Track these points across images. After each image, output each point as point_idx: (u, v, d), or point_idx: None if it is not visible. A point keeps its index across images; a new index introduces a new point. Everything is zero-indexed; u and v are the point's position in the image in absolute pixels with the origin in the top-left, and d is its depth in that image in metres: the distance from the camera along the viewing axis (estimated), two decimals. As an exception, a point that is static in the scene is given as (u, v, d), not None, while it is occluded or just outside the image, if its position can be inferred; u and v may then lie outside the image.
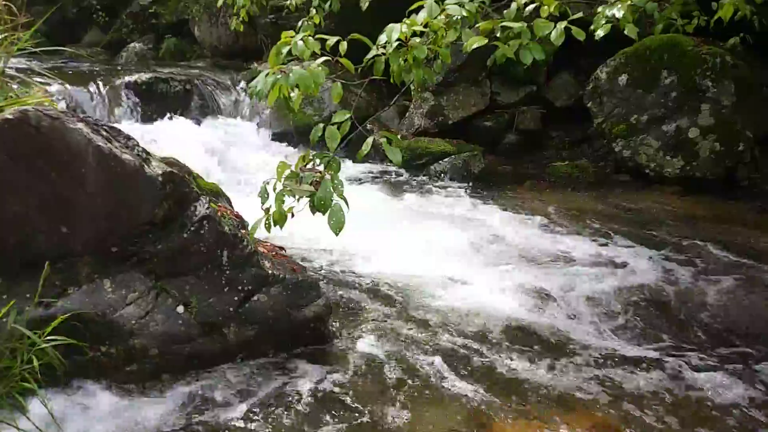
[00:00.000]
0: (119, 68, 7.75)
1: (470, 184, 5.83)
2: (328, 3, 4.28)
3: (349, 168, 5.92)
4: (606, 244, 4.28)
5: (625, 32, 2.36)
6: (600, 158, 6.30)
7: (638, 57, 5.72)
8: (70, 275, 2.55)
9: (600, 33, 2.43)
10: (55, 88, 5.59)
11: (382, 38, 2.10)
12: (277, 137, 6.69)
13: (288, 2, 4.70)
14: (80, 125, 2.51)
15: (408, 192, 5.59)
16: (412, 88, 6.57)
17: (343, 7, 4.26)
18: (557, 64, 6.59)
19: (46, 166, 2.46)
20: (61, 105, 4.90)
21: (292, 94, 2.02)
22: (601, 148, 6.29)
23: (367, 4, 3.73)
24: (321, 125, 2.06)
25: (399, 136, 6.53)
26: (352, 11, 4.85)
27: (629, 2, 2.37)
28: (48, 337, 2.33)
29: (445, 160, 6.08)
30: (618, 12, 2.40)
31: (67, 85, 5.91)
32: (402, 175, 6.07)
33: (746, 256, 4.01)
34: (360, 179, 5.92)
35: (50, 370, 2.35)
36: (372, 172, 6.11)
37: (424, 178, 6.01)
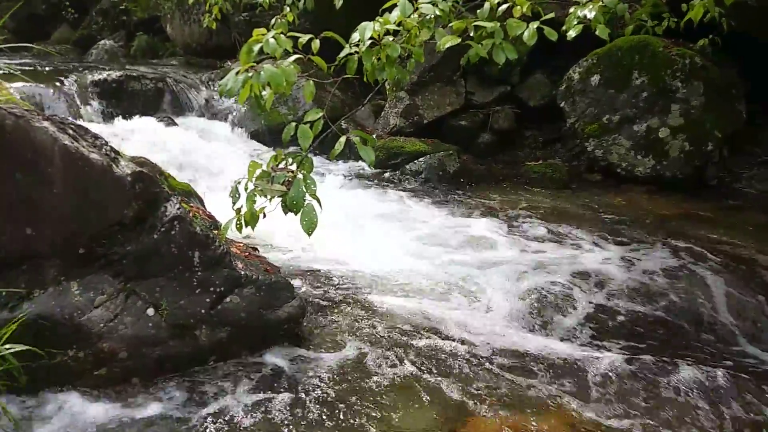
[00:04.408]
0: (89, 66, 7.60)
1: (445, 183, 5.83)
2: (302, 1, 4.23)
3: (323, 167, 5.88)
4: (577, 244, 4.31)
5: (596, 33, 2.38)
6: (573, 157, 6.35)
7: (610, 58, 5.79)
8: (35, 277, 2.48)
9: (572, 33, 2.45)
10: (20, 85, 5.46)
11: (355, 36, 2.08)
12: (252, 136, 6.63)
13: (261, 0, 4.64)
14: (46, 124, 2.45)
15: (383, 192, 5.57)
16: (387, 87, 6.55)
17: (318, 4, 4.22)
18: (531, 64, 6.63)
19: (10, 166, 2.39)
20: (27, 103, 4.78)
21: (263, 93, 1.99)
22: (574, 147, 6.35)
23: (341, 2, 3.69)
24: (293, 124, 2.03)
25: (374, 136, 6.51)
26: (327, 9, 4.79)
27: (600, 3, 2.39)
28: (8, 342, 2.26)
29: (421, 159, 6.07)
30: (589, 13, 2.42)
31: (34, 83, 5.77)
32: (377, 175, 6.05)
33: (715, 254, 4.07)
34: (335, 178, 5.88)
35: (13, 376, 2.28)
36: (346, 171, 6.08)
37: (400, 177, 5.99)
